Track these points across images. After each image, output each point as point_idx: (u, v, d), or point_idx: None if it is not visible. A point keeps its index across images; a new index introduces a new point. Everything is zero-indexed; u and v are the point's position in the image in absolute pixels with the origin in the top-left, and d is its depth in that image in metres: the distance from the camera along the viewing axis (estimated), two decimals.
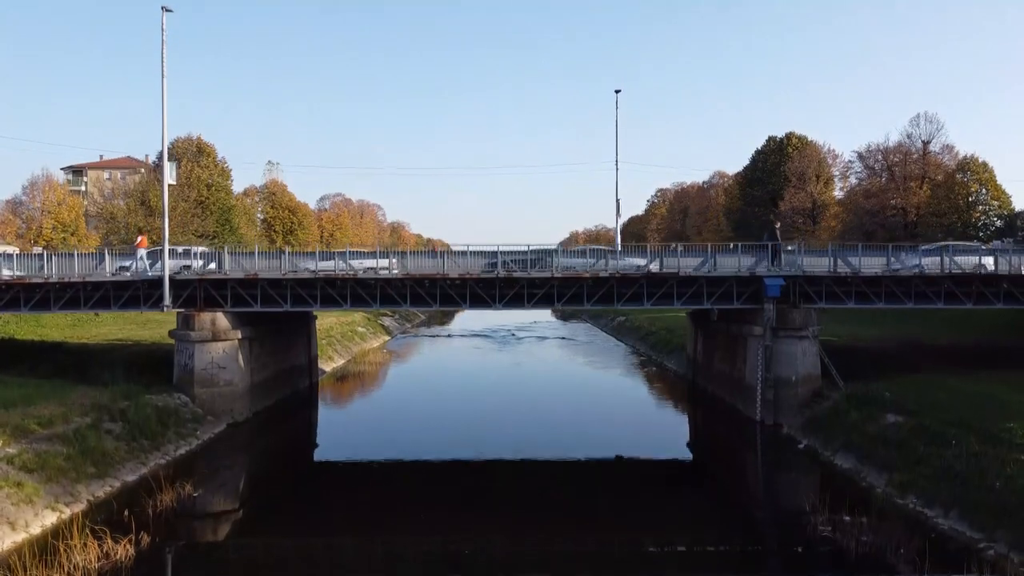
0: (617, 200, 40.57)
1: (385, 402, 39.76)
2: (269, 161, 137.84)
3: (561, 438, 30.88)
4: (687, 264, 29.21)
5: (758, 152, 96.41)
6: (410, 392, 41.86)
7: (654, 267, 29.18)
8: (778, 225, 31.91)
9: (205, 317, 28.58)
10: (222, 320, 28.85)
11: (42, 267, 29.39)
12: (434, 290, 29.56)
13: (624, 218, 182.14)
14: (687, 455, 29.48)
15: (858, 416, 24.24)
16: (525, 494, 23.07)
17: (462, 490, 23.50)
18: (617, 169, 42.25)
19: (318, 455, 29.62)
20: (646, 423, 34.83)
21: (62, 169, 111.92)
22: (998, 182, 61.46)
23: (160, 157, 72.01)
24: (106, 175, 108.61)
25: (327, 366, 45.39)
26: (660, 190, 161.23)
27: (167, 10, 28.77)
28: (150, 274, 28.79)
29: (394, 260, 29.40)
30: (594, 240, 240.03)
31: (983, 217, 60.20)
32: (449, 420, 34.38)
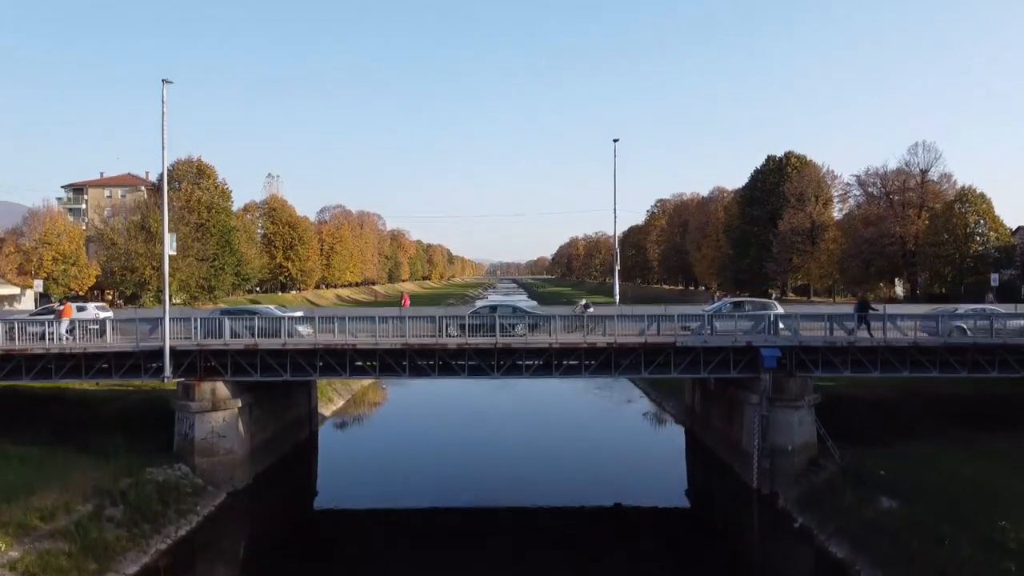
0: (616, 250, 40.79)
1: (383, 446, 40.28)
2: (269, 174, 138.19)
3: (560, 482, 32.37)
4: (684, 333, 29.46)
5: (757, 171, 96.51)
6: (408, 433, 42.44)
7: (651, 335, 29.40)
8: (871, 296, 32.07)
9: (205, 387, 28.79)
10: (222, 389, 29.07)
11: (43, 335, 29.54)
12: (433, 360, 29.76)
13: (624, 227, 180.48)
14: (684, 503, 31.09)
15: (853, 498, 24.43)
16: (525, 547, 24.37)
17: (461, 542, 24.61)
18: (615, 217, 42.52)
19: (318, 503, 31.17)
20: (644, 470, 35.69)
21: (62, 187, 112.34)
22: (996, 213, 61.68)
23: (160, 179, 72.01)
24: (106, 193, 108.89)
25: (327, 409, 45.57)
26: (660, 200, 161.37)
27: (167, 82, 28.95)
28: (147, 344, 29.00)
29: (394, 326, 29.57)
30: (594, 246, 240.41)
31: (981, 248, 60.30)
32: (448, 462, 35.73)
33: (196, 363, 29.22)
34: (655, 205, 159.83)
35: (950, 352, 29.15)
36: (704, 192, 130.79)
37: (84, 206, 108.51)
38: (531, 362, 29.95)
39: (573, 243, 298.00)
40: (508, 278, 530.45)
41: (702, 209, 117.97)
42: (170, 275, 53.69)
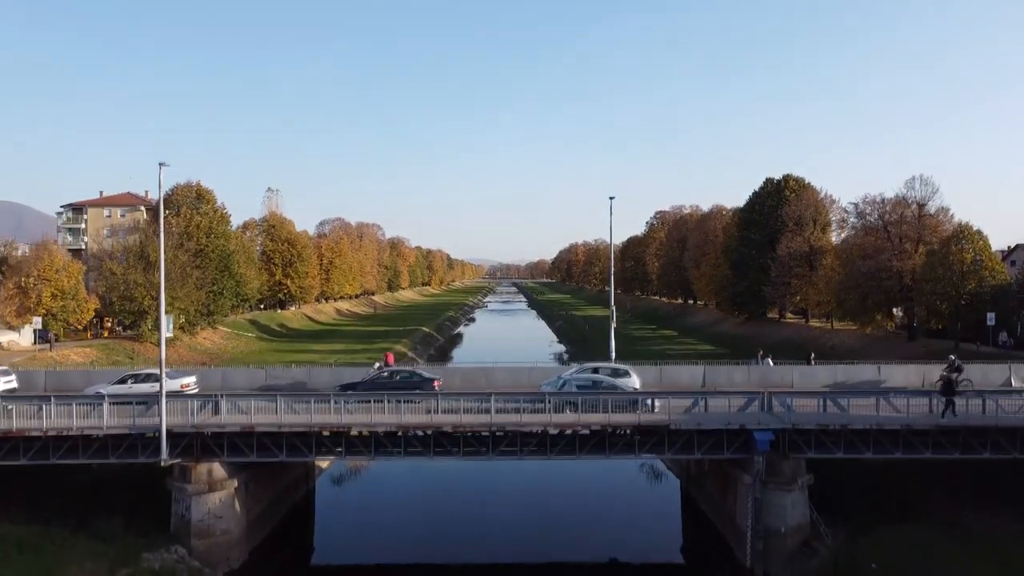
0: (612, 309, 40.94)
1: (379, 496, 40.82)
2: (269, 188, 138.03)
3: (557, 534, 33.65)
4: (678, 414, 29.66)
5: (755, 194, 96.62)
6: (404, 482, 42.72)
7: (645, 415, 29.63)
8: (954, 375, 31.76)
9: (202, 468, 28.95)
10: (219, 470, 29.23)
11: (40, 409, 29.70)
12: (427, 440, 29.97)
13: (623, 237, 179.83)
14: (678, 559, 32.75)
15: None
16: None
17: None
18: (612, 270, 42.66)
19: (316, 559, 32.71)
20: (640, 523, 36.59)
21: (62, 206, 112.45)
22: (992, 251, 61.72)
23: (157, 205, 72.42)
24: (106, 212, 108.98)
25: (324, 460, 45.70)
26: (659, 212, 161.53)
27: (164, 165, 29.09)
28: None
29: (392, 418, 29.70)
30: (593, 254, 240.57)
31: (976, 287, 60.21)
32: (443, 511, 36.72)
33: (193, 444, 29.39)
34: (654, 217, 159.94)
35: (942, 433, 29.32)
36: (704, 206, 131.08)
37: (83, 226, 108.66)
38: (527, 441, 30.09)
39: (573, 249, 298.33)
40: (508, 281, 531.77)
41: (701, 227, 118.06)
42: (169, 303, 53.89)
